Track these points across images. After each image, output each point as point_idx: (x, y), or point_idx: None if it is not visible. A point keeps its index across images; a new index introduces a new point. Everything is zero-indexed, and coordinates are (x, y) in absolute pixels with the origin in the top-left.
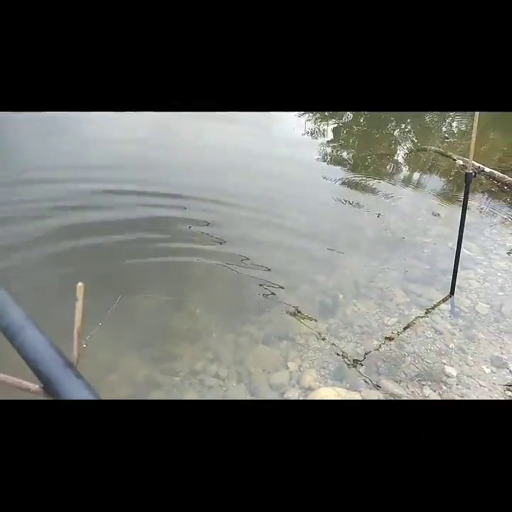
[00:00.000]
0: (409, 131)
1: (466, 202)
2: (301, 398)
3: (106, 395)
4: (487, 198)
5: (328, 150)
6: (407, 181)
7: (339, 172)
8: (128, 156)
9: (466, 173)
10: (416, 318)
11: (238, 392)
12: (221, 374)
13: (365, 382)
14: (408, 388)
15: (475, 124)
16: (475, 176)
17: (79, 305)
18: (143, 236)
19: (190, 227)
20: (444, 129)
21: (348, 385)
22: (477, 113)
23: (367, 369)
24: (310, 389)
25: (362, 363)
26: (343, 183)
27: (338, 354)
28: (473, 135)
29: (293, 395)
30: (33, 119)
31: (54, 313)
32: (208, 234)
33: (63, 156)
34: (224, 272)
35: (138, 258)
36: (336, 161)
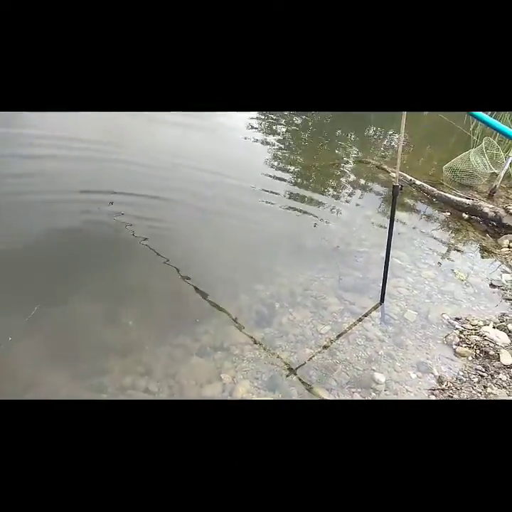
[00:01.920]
0: (352, 143)
1: (394, 213)
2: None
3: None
4: (418, 210)
5: (274, 156)
6: (348, 193)
7: (282, 180)
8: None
9: (393, 185)
10: (349, 326)
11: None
12: (151, 388)
13: (298, 392)
14: (339, 396)
15: (400, 141)
16: (402, 189)
17: None
18: (64, 240)
19: (115, 217)
20: (385, 142)
21: (280, 395)
22: (402, 127)
23: (299, 378)
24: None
25: (295, 372)
26: (287, 193)
27: (272, 364)
28: (399, 150)
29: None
30: None
31: None
32: (146, 245)
33: None
34: (159, 282)
35: (63, 263)
36: (281, 168)
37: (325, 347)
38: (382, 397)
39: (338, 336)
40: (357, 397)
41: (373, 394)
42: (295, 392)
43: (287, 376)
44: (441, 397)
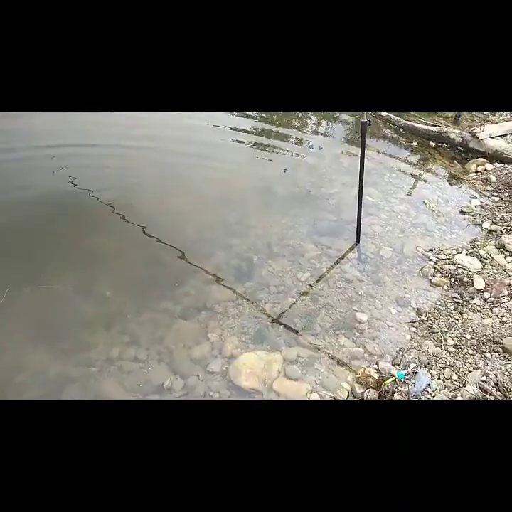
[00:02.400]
0: None
1: (364, 150)
2: (224, 368)
3: (16, 398)
4: (386, 143)
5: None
6: (313, 132)
7: (248, 123)
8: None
9: (361, 121)
10: (327, 270)
11: (160, 372)
12: (140, 357)
13: (285, 341)
14: (325, 340)
15: None
16: (370, 124)
17: None
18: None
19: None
20: None
21: (268, 347)
22: None
23: (285, 327)
24: (232, 357)
25: (280, 321)
26: (254, 138)
27: (256, 317)
28: None
29: (216, 365)
30: None
31: None
32: (111, 206)
33: None
34: (131, 247)
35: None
36: (242, 114)
37: (306, 294)
38: (366, 335)
39: (318, 281)
40: (342, 338)
41: (357, 333)
42: (282, 342)
43: (273, 327)
44: (420, 328)
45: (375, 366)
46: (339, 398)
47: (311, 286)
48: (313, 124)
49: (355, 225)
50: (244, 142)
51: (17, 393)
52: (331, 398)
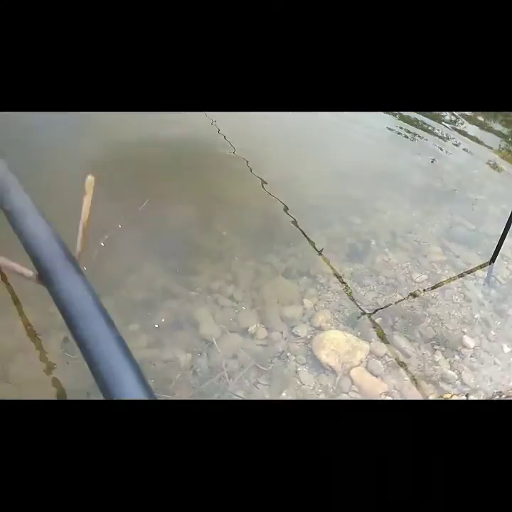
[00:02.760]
0: None
1: None
2: (309, 336)
3: (122, 296)
4: None
5: None
6: (468, 130)
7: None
8: None
9: None
10: (448, 280)
11: (249, 318)
12: (236, 297)
13: (377, 334)
14: (419, 349)
15: None
16: None
17: (87, 199)
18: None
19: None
20: None
21: (359, 333)
22: None
23: (383, 321)
24: (320, 329)
25: (379, 314)
26: (394, 122)
27: (357, 301)
28: None
29: (302, 331)
30: None
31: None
32: (243, 158)
33: None
34: (253, 199)
35: (171, 169)
36: None
37: (416, 296)
38: (466, 362)
39: (434, 288)
40: (439, 355)
41: (457, 357)
42: (374, 334)
43: (370, 316)
44: None
45: (464, 398)
46: None
47: (424, 290)
48: (464, 124)
49: (495, 242)
50: (390, 129)
51: (126, 290)
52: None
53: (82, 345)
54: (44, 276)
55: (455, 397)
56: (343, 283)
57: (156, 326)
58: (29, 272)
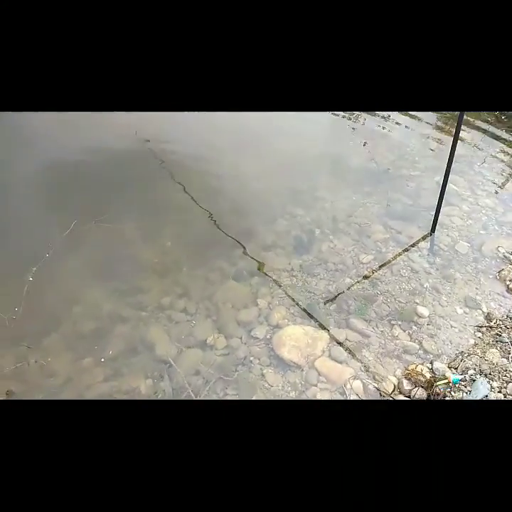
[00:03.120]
0: None
1: (458, 133)
2: (268, 336)
3: (70, 328)
4: (483, 130)
5: None
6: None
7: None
8: None
9: None
10: (394, 256)
11: (205, 328)
12: (189, 309)
13: (335, 321)
14: (378, 327)
15: None
16: None
17: None
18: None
19: (161, 163)
20: None
21: (316, 324)
22: None
23: (337, 307)
24: (278, 327)
25: (333, 301)
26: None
27: (309, 292)
28: None
29: (260, 332)
30: None
31: None
32: (179, 163)
33: None
34: (194, 203)
35: (103, 184)
36: None
37: (366, 277)
38: (424, 331)
39: (381, 266)
40: (397, 330)
41: (414, 327)
42: (332, 321)
43: (324, 305)
44: (487, 335)
45: (429, 365)
46: (383, 391)
47: (373, 270)
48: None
49: (433, 213)
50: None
51: (72, 323)
52: (374, 388)
53: None
54: None
55: (421, 367)
56: (293, 276)
57: (110, 353)
58: None
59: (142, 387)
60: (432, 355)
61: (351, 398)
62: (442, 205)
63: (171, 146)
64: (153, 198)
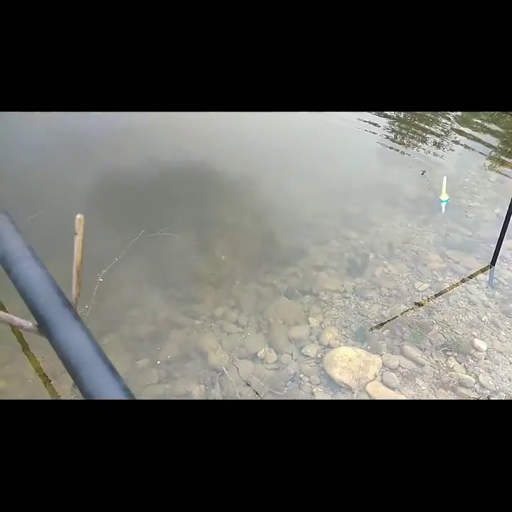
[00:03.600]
0: None
1: None
2: (319, 355)
3: (127, 330)
4: None
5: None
6: (454, 141)
7: (381, 125)
8: None
9: None
10: (451, 286)
11: (257, 342)
12: (241, 321)
13: (388, 346)
14: (432, 357)
15: None
16: None
17: (78, 239)
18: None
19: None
20: None
21: (369, 347)
22: None
23: (391, 333)
24: (329, 347)
25: (386, 326)
26: (387, 132)
27: (361, 315)
28: None
29: (312, 350)
30: None
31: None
32: (236, 182)
33: None
34: (249, 221)
35: (165, 198)
36: (380, 112)
37: (421, 305)
38: (481, 365)
39: (437, 295)
40: (452, 361)
41: (471, 360)
42: (385, 346)
43: (377, 329)
44: None
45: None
46: None
47: (428, 298)
48: (454, 130)
49: (492, 245)
50: (375, 133)
51: (130, 326)
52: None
53: (87, 396)
54: (42, 326)
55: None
56: (346, 298)
57: (169, 356)
58: (28, 324)
59: (195, 392)
60: (488, 391)
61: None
62: (504, 237)
63: (223, 166)
64: (209, 214)
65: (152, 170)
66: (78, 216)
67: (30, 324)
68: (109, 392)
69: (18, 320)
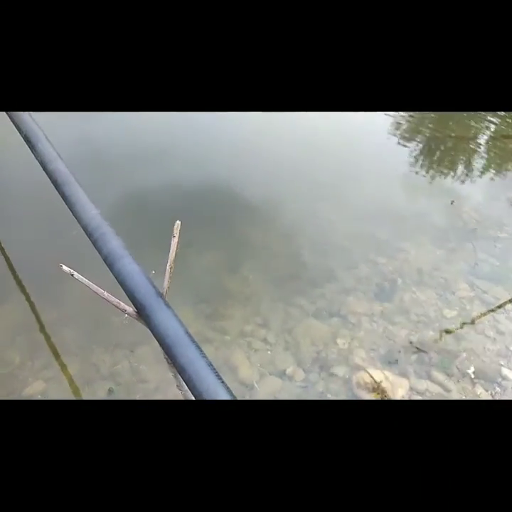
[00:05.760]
0: (492, 116)
1: None
2: (347, 376)
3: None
4: None
5: (398, 128)
6: (486, 169)
7: (408, 152)
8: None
9: None
10: (479, 315)
11: (284, 360)
12: (269, 339)
13: (415, 371)
14: (459, 383)
15: None
16: None
17: (174, 242)
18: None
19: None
20: None
21: (397, 371)
22: None
23: (418, 358)
24: (357, 368)
25: (414, 351)
26: (413, 164)
27: (389, 339)
28: None
29: (340, 370)
30: None
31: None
32: (264, 202)
33: None
34: (277, 241)
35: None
36: (407, 139)
37: (449, 332)
38: (508, 393)
39: (465, 324)
40: (479, 389)
41: (498, 389)
42: (412, 371)
43: (405, 353)
44: None
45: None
46: None
47: (457, 326)
48: (482, 154)
49: None
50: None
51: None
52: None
53: (181, 371)
54: (141, 312)
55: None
56: (374, 322)
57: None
58: (130, 309)
59: None
60: None
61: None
62: None
63: (248, 187)
64: (235, 234)
65: (177, 192)
66: (177, 222)
67: (132, 309)
68: (199, 366)
69: (123, 304)
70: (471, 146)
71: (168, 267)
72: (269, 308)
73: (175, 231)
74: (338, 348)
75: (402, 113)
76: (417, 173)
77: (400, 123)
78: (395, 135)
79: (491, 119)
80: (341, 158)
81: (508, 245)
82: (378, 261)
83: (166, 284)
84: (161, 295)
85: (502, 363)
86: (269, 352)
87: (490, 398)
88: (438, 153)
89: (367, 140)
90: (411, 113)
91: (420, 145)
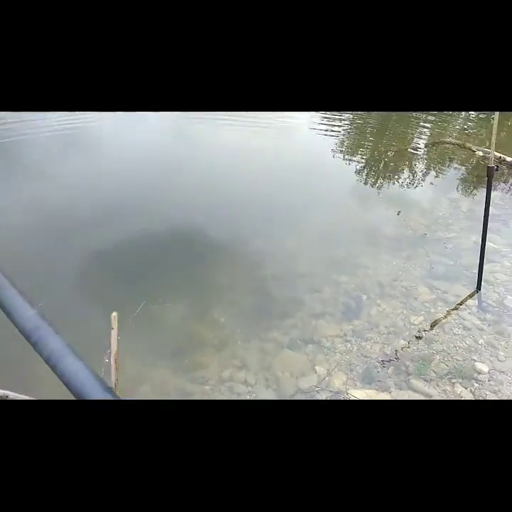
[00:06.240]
0: (424, 122)
1: (490, 195)
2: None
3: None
4: (510, 189)
5: (342, 145)
6: (425, 176)
7: (354, 168)
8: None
9: (489, 166)
10: (444, 315)
11: (267, 398)
12: (249, 380)
13: (395, 383)
14: (439, 387)
15: (495, 120)
16: (497, 170)
17: (114, 333)
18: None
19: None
20: (460, 118)
21: (377, 387)
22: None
23: (395, 369)
24: (339, 392)
25: (390, 363)
26: (359, 180)
27: (365, 356)
28: (494, 130)
29: (323, 398)
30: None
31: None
32: (222, 241)
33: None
34: (241, 279)
35: (159, 267)
36: (351, 154)
37: (419, 338)
38: (486, 387)
39: (433, 326)
40: (459, 387)
41: (476, 384)
42: (392, 384)
43: (383, 367)
44: None
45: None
46: None
47: (425, 330)
48: (421, 161)
49: (475, 271)
50: (346, 191)
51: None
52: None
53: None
54: None
55: None
56: (347, 342)
57: None
58: None
59: None
60: None
61: None
62: (484, 262)
63: (209, 229)
64: (200, 278)
65: (140, 242)
66: (113, 314)
67: None
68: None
69: None
70: (411, 151)
71: (112, 360)
72: (244, 348)
73: (113, 323)
74: (317, 375)
75: (340, 130)
76: (365, 183)
77: (343, 141)
78: (340, 152)
79: (424, 124)
80: (292, 186)
81: (457, 244)
82: (340, 280)
83: (113, 377)
84: (109, 390)
85: (474, 358)
86: (252, 394)
87: (471, 396)
88: (381, 164)
89: (314, 162)
90: (348, 128)
91: (364, 158)
